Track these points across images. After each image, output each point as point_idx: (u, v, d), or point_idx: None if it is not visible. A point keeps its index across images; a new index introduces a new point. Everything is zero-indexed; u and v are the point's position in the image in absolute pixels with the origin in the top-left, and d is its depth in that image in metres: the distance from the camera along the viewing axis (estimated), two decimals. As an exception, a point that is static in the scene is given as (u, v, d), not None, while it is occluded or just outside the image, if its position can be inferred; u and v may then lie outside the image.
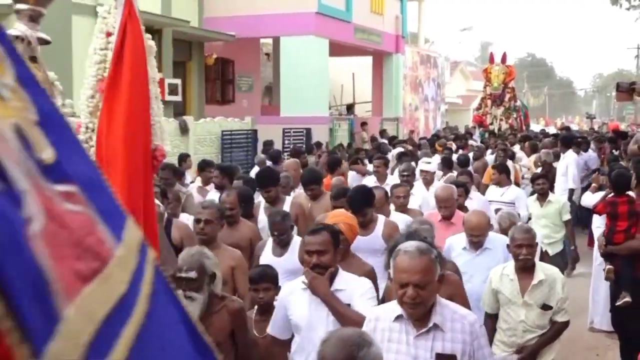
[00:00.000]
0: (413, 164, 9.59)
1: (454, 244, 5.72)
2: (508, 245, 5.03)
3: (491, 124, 21.73)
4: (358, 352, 2.49)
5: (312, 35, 19.41)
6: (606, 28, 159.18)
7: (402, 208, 6.69)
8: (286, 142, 18.15)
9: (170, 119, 15.60)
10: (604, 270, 6.84)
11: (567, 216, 8.63)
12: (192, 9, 18.53)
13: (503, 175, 9.13)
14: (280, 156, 13.23)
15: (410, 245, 3.13)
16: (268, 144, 15.56)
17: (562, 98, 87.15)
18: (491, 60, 22.48)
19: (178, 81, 17.02)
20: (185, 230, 5.82)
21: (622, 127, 42.43)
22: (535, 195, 8.81)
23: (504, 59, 22.20)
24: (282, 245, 5.42)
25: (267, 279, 4.47)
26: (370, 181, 8.86)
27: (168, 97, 16.39)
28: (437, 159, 11.13)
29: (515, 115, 21.93)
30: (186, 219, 6.31)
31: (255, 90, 23.60)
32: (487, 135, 20.36)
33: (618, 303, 6.40)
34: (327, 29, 19.98)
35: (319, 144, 15.90)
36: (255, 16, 19.47)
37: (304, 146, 18.12)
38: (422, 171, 9.07)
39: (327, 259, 3.89)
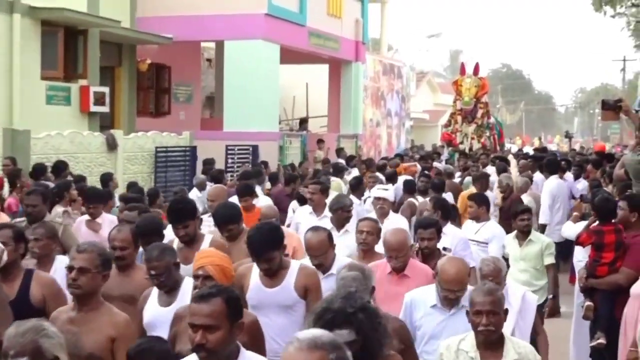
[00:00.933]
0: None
1: (418, 301, 5.16)
2: (467, 312, 4.44)
3: (461, 142, 21.65)
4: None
5: (260, 39, 19.51)
6: (589, 38, 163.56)
7: (367, 249, 6.35)
8: (229, 160, 18.16)
9: (95, 132, 15.53)
10: (581, 306, 7.00)
11: (550, 259, 8.04)
12: (123, 7, 18.46)
13: (483, 209, 8.71)
14: (223, 177, 13.26)
15: (306, 335, 2.64)
16: (209, 163, 15.57)
17: (541, 114, 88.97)
18: (462, 71, 22.49)
19: (105, 89, 16.93)
20: (49, 286, 5.13)
21: (607, 147, 43.50)
22: (515, 232, 8.27)
23: (476, 70, 22.21)
24: (167, 290, 4.94)
25: None
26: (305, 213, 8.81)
27: (93, 108, 16.35)
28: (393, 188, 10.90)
29: (488, 134, 21.96)
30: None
31: (195, 101, 23.56)
32: (456, 155, 20.63)
33: (592, 344, 6.57)
34: (277, 33, 20.11)
35: (265, 164, 15.95)
36: (195, 17, 19.49)
37: (250, 166, 18.21)
38: (376, 199, 8.59)
39: (217, 339, 3.39)
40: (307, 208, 8.88)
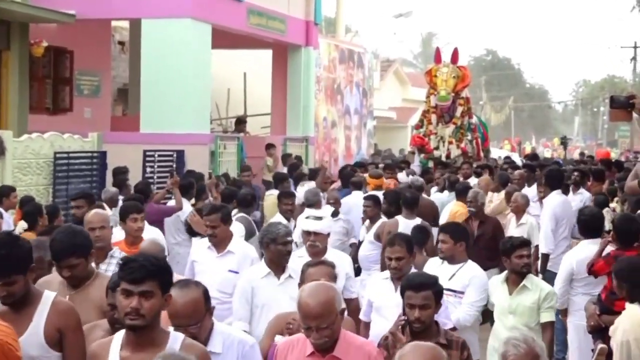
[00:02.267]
0: None
1: None
2: None
3: (436, 148, 21.72)
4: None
5: (188, 18, 19.53)
6: (592, 22, 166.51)
7: None
8: (148, 169, 18.11)
9: (-22, 134, 15.36)
10: (592, 350, 7.11)
11: (549, 316, 7.56)
12: (12, -25, 18.37)
13: (461, 246, 8.05)
14: (149, 189, 13.34)
15: None
16: (121, 173, 15.54)
17: (534, 113, 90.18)
18: (437, 58, 22.60)
19: (-10, 79, 16.83)
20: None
21: (613, 154, 44.30)
22: (504, 274, 7.84)
23: (455, 57, 22.41)
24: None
25: None
26: None
27: (-25, 103, 16.19)
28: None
29: (470, 137, 21.95)
30: None
31: (104, 94, 23.49)
32: (430, 163, 20.80)
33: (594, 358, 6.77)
34: (209, 11, 20.15)
35: (200, 176, 15.92)
36: (104, -12, 19.49)
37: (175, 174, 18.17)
38: (305, 234, 7.96)
39: None
40: (205, 241, 8.58)
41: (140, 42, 20.32)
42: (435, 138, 21.67)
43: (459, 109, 21.80)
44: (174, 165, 18.46)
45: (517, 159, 26.50)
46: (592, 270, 7.34)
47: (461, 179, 15.53)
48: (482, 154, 21.99)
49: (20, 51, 19.09)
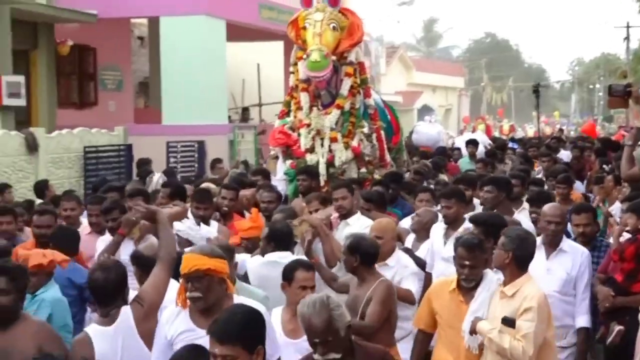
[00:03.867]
0: None
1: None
2: None
3: (309, 150, 11.25)
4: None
5: (203, 14, 19.65)
6: (586, 2, 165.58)
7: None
8: (172, 160, 18.28)
9: (12, 131, 15.55)
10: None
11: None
12: (37, -21, 18.50)
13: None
14: (174, 175, 13.68)
15: None
16: (144, 163, 15.72)
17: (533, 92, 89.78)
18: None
19: (20, 78, 17.00)
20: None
21: (611, 130, 44.09)
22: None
23: None
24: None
25: None
26: None
27: (7, 101, 16.46)
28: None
29: (367, 129, 11.54)
30: None
31: (126, 87, 23.60)
32: (300, 178, 10.51)
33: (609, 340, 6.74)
34: (223, 7, 20.27)
35: (216, 162, 16.08)
36: (124, -11, 19.60)
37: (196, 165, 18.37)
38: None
39: None
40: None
41: (159, 38, 20.44)
42: (307, 133, 11.25)
43: (346, 83, 11.36)
44: (196, 155, 18.63)
45: (483, 143, 19.80)
46: (624, 256, 7.02)
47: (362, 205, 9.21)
48: (387, 157, 12.04)
49: (47, 50, 19.22)
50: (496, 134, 37.35)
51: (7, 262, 5.54)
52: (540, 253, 6.92)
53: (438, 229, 8.17)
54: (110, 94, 22.66)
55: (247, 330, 4.01)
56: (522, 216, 9.09)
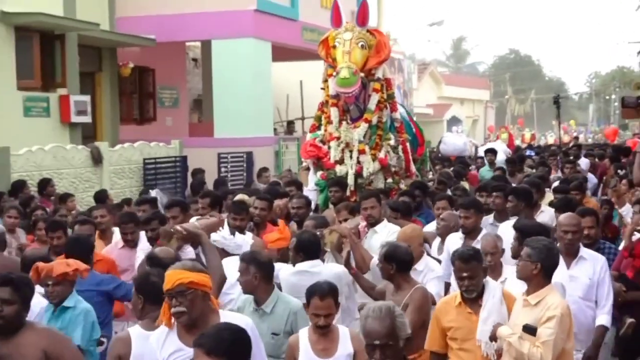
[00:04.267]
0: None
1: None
2: None
3: (339, 162, 11.06)
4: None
5: (251, 37, 19.68)
6: (602, 19, 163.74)
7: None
8: (223, 169, 18.31)
9: (79, 146, 15.68)
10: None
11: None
12: (101, 8, 18.63)
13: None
14: (226, 184, 13.65)
15: None
16: (198, 173, 15.79)
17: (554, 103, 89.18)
18: (336, 18, 11.32)
19: (86, 98, 17.11)
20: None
21: (626, 137, 43.57)
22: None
23: (363, 15, 11.25)
24: None
25: None
26: None
27: (75, 118, 16.54)
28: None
29: (393, 141, 11.25)
30: None
31: (182, 104, 23.73)
32: (332, 189, 10.26)
33: (622, 332, 6.68)
34: (268, 30, 20.28)
35: (262, 171, 16.08)
36: (179, 15, 19.67)
37: (245, 174, 18.38)
38: None
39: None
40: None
41: (211, 59, 20.53)
42: (336, 145, 11.04)
43: (374, 98, 11.12)
44: (245, 165, 18.65)
45: (503, 151, 19.71)
46: (634, 252, 7.10)
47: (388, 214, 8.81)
48: (413, 168, 11.76)
49: (110, 72, 19.37)
50: (518, 141, 36.95)
51: (11, 273, 5.24)
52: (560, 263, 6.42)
53: (455, 238, 7.84)
54: (167, 111, 22.78)
55: (234, 346, 3.75)
56: (544, 217, 8.76)
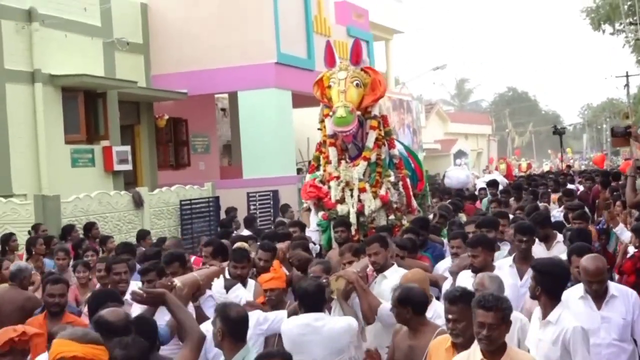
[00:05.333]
0: None
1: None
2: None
3: (340, 201, 10.08)
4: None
5: (272, 87, 19.80)
6: (591, 56, 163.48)
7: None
8: (251, 207, 18.35)
9: (122, 191, 15.77)
10: None
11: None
12: (138, 67, 18.88)
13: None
14: (255, 221, 13.62)
15: None
16: (230, 211, 15.82)
17: (550, 134, 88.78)
18: (329, 58, 10.40)
19: (127, 148, 17.25)
20: None
21: (619, 162, 43.28)
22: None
23: (356, 53, 10.21)
24: None
25: None
26: None
27: (117, 167, 16.66)
28: None
29: (393, 178, 10.33)
30: None
31: (213, 150, 23.84)
32: (338, 230, 9.33)
33: None
34: (288, 80, 20.40)
35: (286, 207, 16.10)
36: (208, 71, 19.83)
37: (272, 211, 18.39)
38: None
39: None
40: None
41: (237, 109, 20.62)
42: (337, 185, 10.07)
43: (372, 136, 10.17)
44: (271, 202, 18.65)
45: (500, 182, 18.48)
46: (621, 270, 6.91)
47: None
48: (414, 203, 10.67)
49: (147, 124, 19.54)
50: (517, 171, 36.72)
51: None
52: (588, 304, 5.83)
53: (466, 276, 6.79)
54: (200, 156, 22.89)
55: None
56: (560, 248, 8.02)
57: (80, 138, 16.35)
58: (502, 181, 19.67)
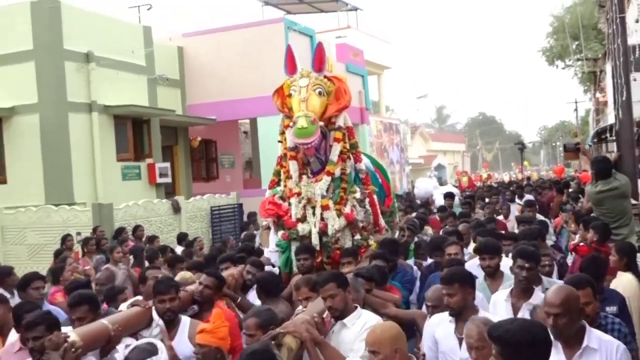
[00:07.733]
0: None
1: None
2: None
3: (301, 220, 7.10)
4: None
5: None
6: (546, 86, 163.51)
7: None
8: (269, 212, 18.25)
9: (163, 200, 15.77)
10: None
11: None
12: (176, 98, 18.91)
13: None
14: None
15: None
16: (251, 216, 15.78)
17: (513, 150, 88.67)
18: (290, 65, 7.56)
19: (167, 164, 17.24)
20: None
21: (570, 172, 43.18)
22: None
23: (319, 59, 7.35)
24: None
25: None
26: None
27: (159, 180, 16.61)
28: None
29: (359, 194, 7.29)
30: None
31: (237, 165, 23.84)
32: (301, 257, 6.74)
33: None
34: (299, 108, 20.32)
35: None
36: (233, 101, 19.84)
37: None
38: None
39: None
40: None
41: (257, 132, 20.68)
42: (298, 202, 7.12)
43: (336, 148, 7.24)
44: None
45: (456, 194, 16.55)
46: (577, 249, 6.36)
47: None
48: (382, 222, 7.56)
49: (184, 145, 19.53)
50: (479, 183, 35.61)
51: None
52: (557, 353, 3.55)
53: (444, 324, 4.47)
54: (226, 171, 22.89)
55: None
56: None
57: (129, 156, 16.36)
58: (457, 192, 17.89)
